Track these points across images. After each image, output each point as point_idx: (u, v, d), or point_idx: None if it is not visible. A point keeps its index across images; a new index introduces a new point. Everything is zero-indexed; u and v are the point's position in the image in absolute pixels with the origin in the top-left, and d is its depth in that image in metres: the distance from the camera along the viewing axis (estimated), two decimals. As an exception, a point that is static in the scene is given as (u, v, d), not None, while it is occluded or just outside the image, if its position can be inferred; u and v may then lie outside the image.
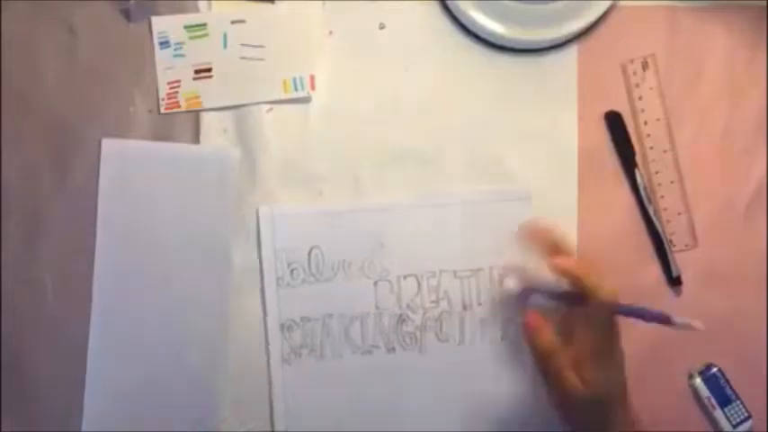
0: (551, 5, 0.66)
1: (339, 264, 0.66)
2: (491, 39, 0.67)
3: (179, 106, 0.66)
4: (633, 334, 0.67)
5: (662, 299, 0.68)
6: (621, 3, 0.68)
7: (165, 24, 0.66)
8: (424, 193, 0.67)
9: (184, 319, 0.66)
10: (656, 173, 0.68)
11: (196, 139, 0.66)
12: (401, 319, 0.67)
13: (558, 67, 0.68)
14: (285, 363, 0.66)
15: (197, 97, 0.66)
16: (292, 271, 0.66)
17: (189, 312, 0.66)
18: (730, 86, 0.68)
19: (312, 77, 0.67)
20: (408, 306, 0.67)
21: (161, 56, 0.66)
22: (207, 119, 0.66)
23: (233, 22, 0.66)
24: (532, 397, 0.66)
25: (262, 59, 0.66)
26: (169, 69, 0.66)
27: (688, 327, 0.55)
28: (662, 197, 0.68)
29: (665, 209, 0.68)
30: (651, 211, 0.67)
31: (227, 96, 0.66)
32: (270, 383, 0.66)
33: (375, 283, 0.67)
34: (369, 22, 0.68)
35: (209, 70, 0.66)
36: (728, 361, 0.67)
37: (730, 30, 0.68)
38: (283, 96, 0.66)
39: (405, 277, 0.67)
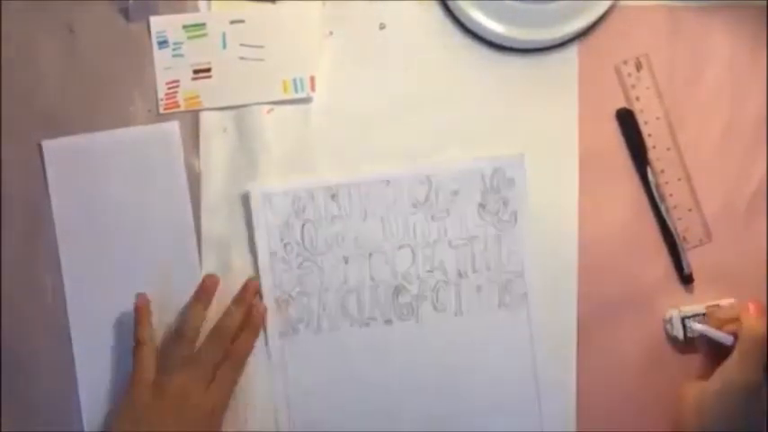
0: (551, 5, 0.66)
1: (333, 237, 0.66)
2: (491, 39, 0.67)
3: (178, 106, 0.66)
4: (635, 335, 0.67)
5: (671, 297, 0.67)
6: (622, 3, 0.68)
7: (164, 24, 0.66)
8: (415, 165, 0.67)
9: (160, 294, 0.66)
10: (662, 171, 0.67)
11: (196, 138, 0.66)
12: (397, 291, 0.67)
13: (558, 66, 0.68)
14: (283, 337, 0.66)
15: (197, 97, 0.66)
16: (286, 245, 0.66)
17: (164, 289, 0.66)
18: (731, 85, 0.68)
19: (312, 78, 0.67)
20: (404, 277, 0.67)
21: (159, 56, 0.66)
22: (207, 119, 0.66)
23: (232, 22, 0.66)
24: (531, 364, 0.66)
25: (261, 60, 0.67)
26: (168, 69, 0.66)
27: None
28: (671, 195, 0.67)
29: (674, 206, 0.67)
30: (663, 209, 0.67)
31: (226, 96, 0.66)
32: (269, 358, 0.66)
33: (369, 255, 0.67)
34: (369, 22, 0.68)
35: (208, 70, 0.66)
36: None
37: (731, 29, 0.68)
38: (283, 97, 0.67)
39: (399, 248, 0.66)
